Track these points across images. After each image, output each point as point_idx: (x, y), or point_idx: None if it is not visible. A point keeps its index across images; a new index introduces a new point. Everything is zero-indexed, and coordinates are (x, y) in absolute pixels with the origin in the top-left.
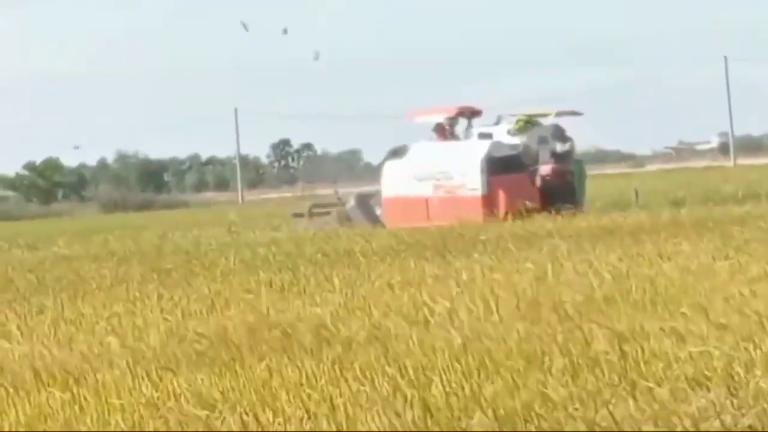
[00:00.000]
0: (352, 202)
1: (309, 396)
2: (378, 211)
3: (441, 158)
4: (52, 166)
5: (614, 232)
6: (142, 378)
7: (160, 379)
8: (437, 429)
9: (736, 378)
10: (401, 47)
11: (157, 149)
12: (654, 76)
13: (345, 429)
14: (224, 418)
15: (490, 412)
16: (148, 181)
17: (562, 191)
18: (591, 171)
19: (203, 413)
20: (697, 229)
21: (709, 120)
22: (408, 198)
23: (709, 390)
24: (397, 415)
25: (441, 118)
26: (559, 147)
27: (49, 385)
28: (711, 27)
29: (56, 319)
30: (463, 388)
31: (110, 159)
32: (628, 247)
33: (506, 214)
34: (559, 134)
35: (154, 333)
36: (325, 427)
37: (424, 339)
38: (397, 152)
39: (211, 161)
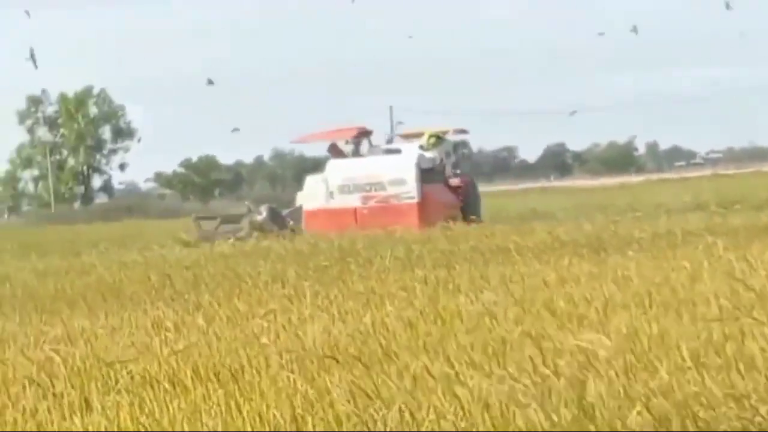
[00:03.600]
0: (264, 214)
1: (464, 393)
2: (291, 224)
3: (369, 171)
4: (208, 163)
5: None
6: (299, 374)
7: (317, 376)
8: (593, 427)
9: None
10: (551, 39)
11: (313, 147)
12: None
13: (500, 427)
14: (381, 415)
15: (645, 412)
16: (304, 179)
17: (468, 202)
18: (749, 168)
19: (358, 410)
20: None
21: None
22: (334, 210)
23: None
24: (553, 413)
25: (341, 140)
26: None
27: (206, 382)
28: None
29: (212, 316)
30: (619, 386)
31: (266, 157)
32: None
33: (442, 220)
34: (456, 151)
35: (310, 330)
36: (480, 424)
37: (579, 337)
38: (315, 169)
39: None
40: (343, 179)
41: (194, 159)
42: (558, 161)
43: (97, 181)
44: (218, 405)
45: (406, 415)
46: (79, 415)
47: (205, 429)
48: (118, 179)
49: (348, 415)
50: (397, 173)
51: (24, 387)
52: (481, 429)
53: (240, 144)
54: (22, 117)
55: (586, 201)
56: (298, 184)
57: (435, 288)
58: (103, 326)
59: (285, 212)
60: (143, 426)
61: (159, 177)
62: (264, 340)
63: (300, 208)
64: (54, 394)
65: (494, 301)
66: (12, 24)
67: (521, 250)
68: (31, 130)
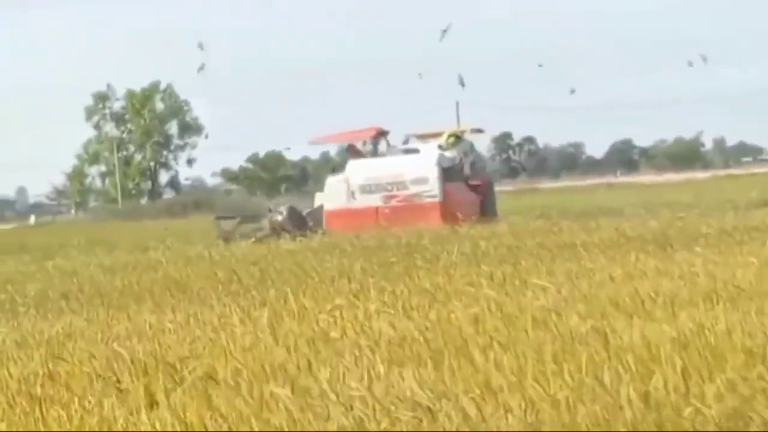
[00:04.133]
0: (284, 214)
1: (531, 388)
2: (310, 224)
3: (390, 170)
4: (275, 159)
5: None
6: (369, 371)
7: (383, 371)
8: (658, 422)
9: None
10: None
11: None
12: None
13: (566, 422)
14: (445, 410)
15: (711, 408)
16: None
17: (487, 201)
18: None
19: (426, 404)
20: None
21: None
22: (356, 209)
23: None
24: (619, 408)
25: (358, 141)
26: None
27: (272, 378)
28: None
29: (279, 311)
30: (685, 383)
31: (333, 152)
32: None
33: (462, 219)
34: (473, 150)
35: (376, 326)
36: (546, 419)
37: (645, 332)
38: (334, 170)
39: None
40: (364, 179)
41: (261, 154)
42: (624, 157)
43: (163, 177)
44: (286, 401)
45: (473, 410)
46: (144, 411)
47: (272, 426)
48: (185, 175)
49: (414, 411)
50: (419, 172)
51: (90, 382)
52: (547, 424)
53: (306, 140)
54: (89, 113)
55: (653, 197)
56: None
57: (501, 284)
58: (170, 322)
59: (305, 212)
60: (209, 422)
61: (226, 172)
62: (333, 334)
63: (320, 208)
64: (120, 390)
65: (561, 296)
66: (77, 21)
67: (587, 246)
68: (97, 126)
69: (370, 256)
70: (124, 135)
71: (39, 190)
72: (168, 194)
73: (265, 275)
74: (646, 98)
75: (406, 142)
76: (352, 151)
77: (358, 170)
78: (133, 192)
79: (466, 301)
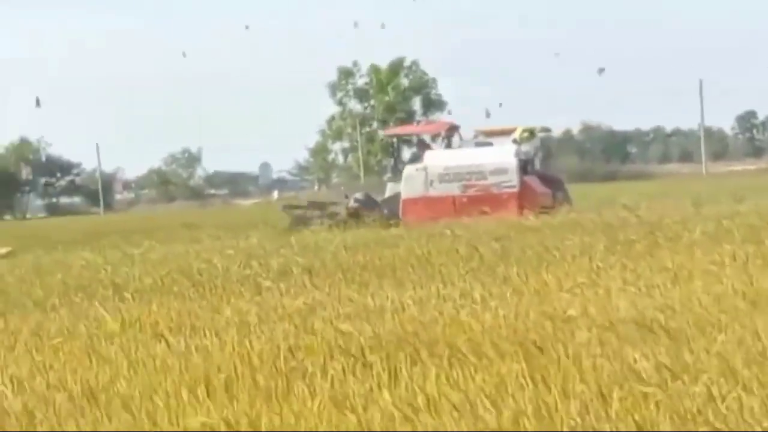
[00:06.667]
0: (361, 200)
1: None
2: (384, 211)
3: (469, 160)
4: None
5: None
6: (605, 349)
7: (622, 350)
8: None
9: None
10: None
11: (622, 121)
12: None
13: None
14: (688, 389)
15: None
16: (613, 153)
17: (557, 194)
18: None
19: (655, 387)
20: None
21: None
22: (433, 198)
23: None
24: None
25: (430, 134)
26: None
27: (511, 354)
28: None
29: (519, 288)
30: None
31: (575, 130)
32: None
33: (538, 209)
34: (542, 147)
35: (617, 304)
36: None
37: None
38: (413, 159)
39: (675, 133)
40: (443, 168)
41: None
42: None
43: (405, 153)
44: (524, 378)
45: (714, 389)
46: (386, 386)
47: (511, 402)
48: None
49: (654, 392)
50: (498, 163)
51: (332, 356)
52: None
53: (550, 116)
54: (333, 89)
55: None
56: (607, 157)
57: (744, 263)
58: (411, 297)
59: (379, 200)
60: (448, 396)
61: None
62: (571, 311)
63: (396, 196)
64: (363, 365)
65: None
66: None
67: None
68: (341, 103)
69: (613, 234)
70: (367, 111)
71: (282, 165)
72: None
73: (506, 252)
74: None
75: (475, 137)
76: (421, 146)
77: (437, 159)
78: (376, 168)
79: (708, 280)
